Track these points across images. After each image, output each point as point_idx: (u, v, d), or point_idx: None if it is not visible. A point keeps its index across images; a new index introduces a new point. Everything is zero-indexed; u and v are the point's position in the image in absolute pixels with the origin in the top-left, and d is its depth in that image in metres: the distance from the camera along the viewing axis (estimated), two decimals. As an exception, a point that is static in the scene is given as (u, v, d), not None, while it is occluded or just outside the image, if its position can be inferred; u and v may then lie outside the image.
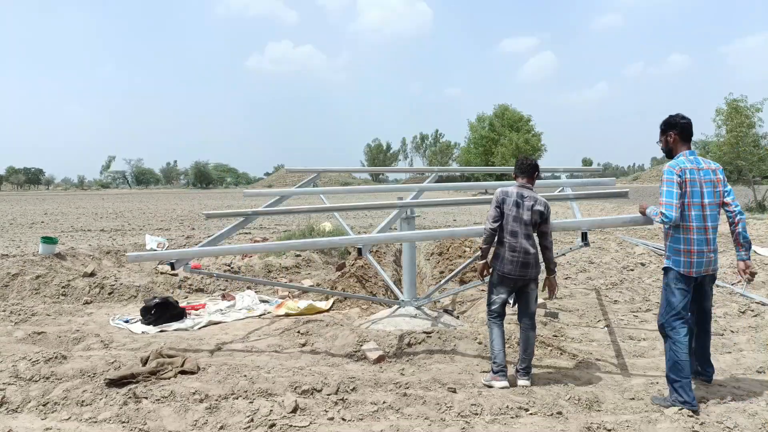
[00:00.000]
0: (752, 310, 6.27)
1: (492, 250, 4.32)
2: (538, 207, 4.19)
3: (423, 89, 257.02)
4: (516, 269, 4.17)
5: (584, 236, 4.78)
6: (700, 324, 4.08)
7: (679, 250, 3.78)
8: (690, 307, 3.90)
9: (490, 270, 4.35)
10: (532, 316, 4.33)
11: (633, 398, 3.87)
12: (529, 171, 4.36)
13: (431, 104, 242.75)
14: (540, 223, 4.22)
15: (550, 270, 4.30)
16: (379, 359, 4.77)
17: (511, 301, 6.33)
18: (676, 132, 3.91)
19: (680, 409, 3.57)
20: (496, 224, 4.24)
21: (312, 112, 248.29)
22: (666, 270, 3.89)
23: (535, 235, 4.28)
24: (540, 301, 6.46)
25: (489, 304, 4.37)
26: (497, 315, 4.31)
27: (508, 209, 4.21)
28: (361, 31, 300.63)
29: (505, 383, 4.09)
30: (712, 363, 4.19)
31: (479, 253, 4.41)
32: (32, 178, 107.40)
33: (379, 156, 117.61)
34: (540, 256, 4.30)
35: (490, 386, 4.10)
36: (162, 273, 8.44)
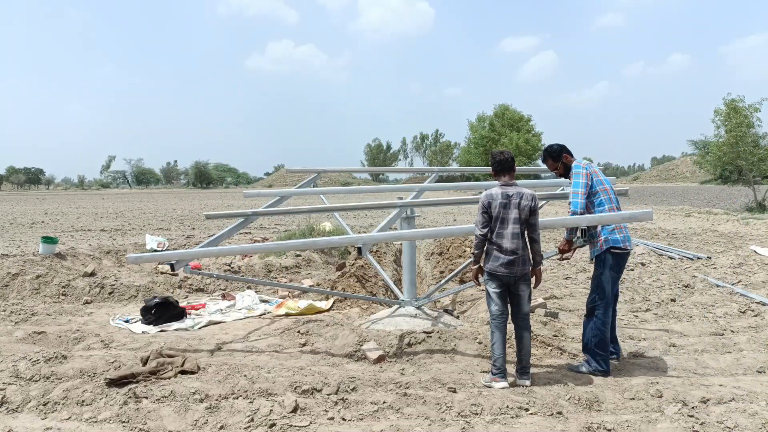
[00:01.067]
0: (752, 310, 6.27)
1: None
2: (525, 202, 4.17)
3: (423, 89, 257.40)
4: (502, 267, 4.17)
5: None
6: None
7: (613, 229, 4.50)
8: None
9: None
10: (526, 317, 4.31)
11: (633, 398, 3.87)
12: (510, 167, 4.31)
13: (431, 104, 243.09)
14: (529, 216, 4.20)
15: (537, 262, 4.30)
16: (380, 359, 4.77)
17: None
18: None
19: (679, 409, 3.58)
20: (485, 229, 4.22)
21: (312, 112, 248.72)
22: (601, 259, 4.51)
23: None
24: (540, 301, 6.47)
25: (488, 305, 4.36)
26: (499, 316, 4.27)
27: (496, 211, 4.18)
28: (362, 30, 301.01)
29: (505, 384, 4.09)
30: (618, 342, 4.87)
31: (471, 258, 4.42)
32: (32, 177, 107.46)
33: (379, 156, 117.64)
34: (528, 253, 4.28)
35: (489, 387, 4.10)
36: (162, 273, 8.44)
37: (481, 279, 4.41)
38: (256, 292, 7.85)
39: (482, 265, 4.34)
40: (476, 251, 4.31)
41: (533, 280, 4.36)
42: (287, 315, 6.63)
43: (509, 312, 4.34)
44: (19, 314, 6.46)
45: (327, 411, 3.67)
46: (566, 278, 8.71)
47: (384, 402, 3.78)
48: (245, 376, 4.29)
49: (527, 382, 4.16)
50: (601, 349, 4.45)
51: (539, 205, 4.30)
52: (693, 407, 3.65)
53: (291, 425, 3.47)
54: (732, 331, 5.57)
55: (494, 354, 4.20)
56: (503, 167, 4.31)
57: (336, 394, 3.95)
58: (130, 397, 3.89)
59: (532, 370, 4.40)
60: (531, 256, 4.29)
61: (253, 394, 3.94)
